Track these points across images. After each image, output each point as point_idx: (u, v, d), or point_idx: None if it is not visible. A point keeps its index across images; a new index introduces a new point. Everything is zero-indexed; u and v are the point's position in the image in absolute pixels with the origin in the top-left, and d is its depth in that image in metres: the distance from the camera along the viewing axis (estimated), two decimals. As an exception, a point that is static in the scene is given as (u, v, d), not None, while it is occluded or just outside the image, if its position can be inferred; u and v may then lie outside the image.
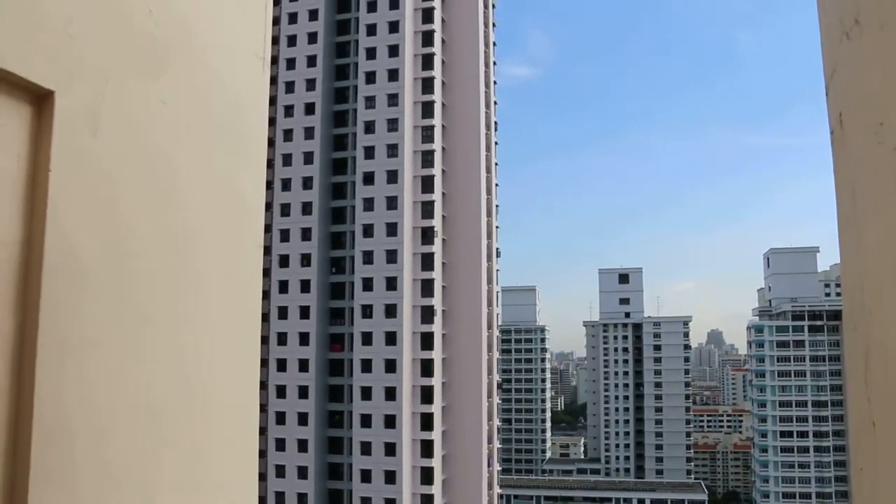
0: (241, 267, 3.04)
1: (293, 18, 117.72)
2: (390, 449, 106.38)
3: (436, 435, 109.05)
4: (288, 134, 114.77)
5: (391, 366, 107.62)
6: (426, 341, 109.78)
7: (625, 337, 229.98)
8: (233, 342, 2.92)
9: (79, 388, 2.29)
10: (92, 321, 2.37)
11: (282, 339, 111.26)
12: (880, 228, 1.84)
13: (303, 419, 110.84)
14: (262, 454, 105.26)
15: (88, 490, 2.20)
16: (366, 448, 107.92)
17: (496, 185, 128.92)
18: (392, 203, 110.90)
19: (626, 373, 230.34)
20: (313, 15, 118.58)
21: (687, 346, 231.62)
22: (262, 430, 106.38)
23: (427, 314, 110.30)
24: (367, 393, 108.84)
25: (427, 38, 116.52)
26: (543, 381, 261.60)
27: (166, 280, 2.64)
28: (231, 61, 3.02)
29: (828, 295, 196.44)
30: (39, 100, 2.48)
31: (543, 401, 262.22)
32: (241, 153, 2.97)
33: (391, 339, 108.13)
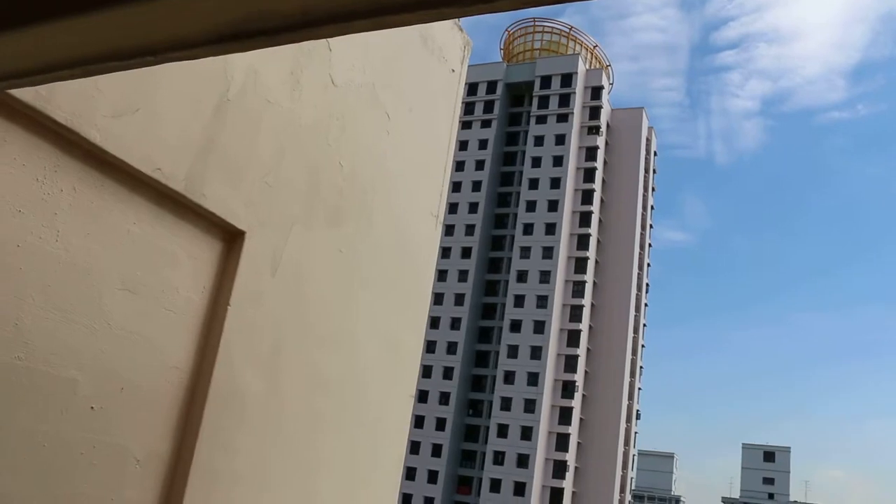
0: (391, 416, 3.04)
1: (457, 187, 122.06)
2: None
3: None
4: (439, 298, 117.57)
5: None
6: (556, 497, 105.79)
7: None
8: (378, 489, 2.90)
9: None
10: (244, 457, 2.41)
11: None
12: None
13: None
14: None
15: None
16: None
17: (642, 346, 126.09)
18: (536, 353, 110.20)
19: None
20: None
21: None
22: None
23: (559, 469, 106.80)
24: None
25: (587, 197, 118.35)
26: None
27: (318, 424, 2.68)
28: (408, 218, 3.12)
29: None
30: (231, 238, 2.61)
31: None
32: (406, 307, 3.02)
33: (520, 489, 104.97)
